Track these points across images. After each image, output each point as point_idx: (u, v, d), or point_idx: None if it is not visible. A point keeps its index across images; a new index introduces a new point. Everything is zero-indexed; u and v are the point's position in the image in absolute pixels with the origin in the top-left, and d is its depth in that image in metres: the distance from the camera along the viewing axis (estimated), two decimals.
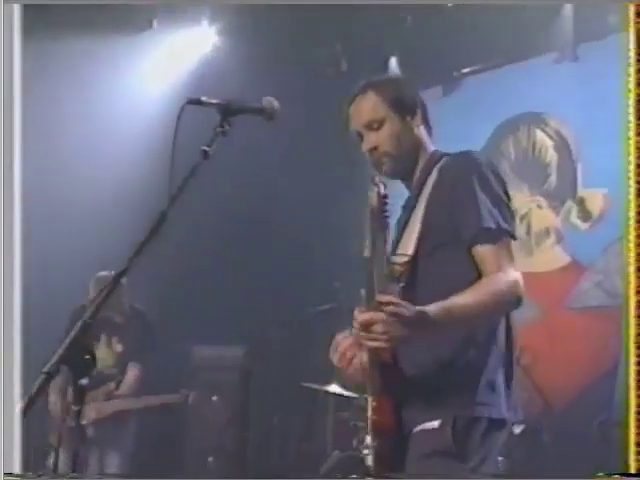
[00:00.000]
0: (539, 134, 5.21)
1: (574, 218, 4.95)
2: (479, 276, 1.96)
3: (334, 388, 4.29)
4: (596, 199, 4.84)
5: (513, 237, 2.01)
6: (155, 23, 5.59)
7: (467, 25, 5.22)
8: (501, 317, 2.01)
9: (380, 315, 1.79)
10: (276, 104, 1.84)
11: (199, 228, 5.00)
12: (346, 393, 4.14)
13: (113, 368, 4.58)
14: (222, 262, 5.45)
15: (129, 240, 1.68)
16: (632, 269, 2.15)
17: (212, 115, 1.79)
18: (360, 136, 2.13)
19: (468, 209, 1.97)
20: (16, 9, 2.27)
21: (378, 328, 1.79)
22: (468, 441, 1.90)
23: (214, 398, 5.10)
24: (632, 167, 2.25)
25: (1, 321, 2.14)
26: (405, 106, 2.13)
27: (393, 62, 5.45)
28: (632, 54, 2.18)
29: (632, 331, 2.12)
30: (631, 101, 2.18)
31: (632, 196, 2.28)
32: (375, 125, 2.10)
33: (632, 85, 2.21)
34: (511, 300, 1.93)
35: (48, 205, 4.94)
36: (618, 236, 4.66)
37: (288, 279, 5.61)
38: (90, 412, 4.38)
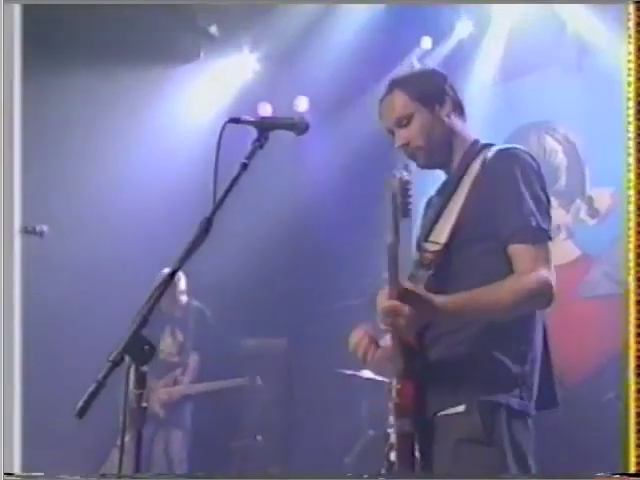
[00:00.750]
0: (549, 140, 5.16)
1: (583, 215, 4.92)
2: (511, 274, 1.82)
3: (366, 374, 4.28)
4: (603, 197, 4.79)
5: (550, 238, 1.87)
6: (202, 53, 5.69)
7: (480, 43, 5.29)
8: (526, 313, 1.87)
9: (401, 306, 1.71)
10: (306, 120, 1.80)
11: (243, 232, 5.02)
12: (377, 378, 4.05)
13: (177, 356, 4.75)
14: (264, 263, 5.47)
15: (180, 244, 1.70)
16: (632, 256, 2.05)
17: (250, 132, 1.79)
18: (392, 133, 2.02)
19: (511, 205, 1.84)
20: (16, 9, 2.12)
21: (399, 315, 1.72)
22: (493, 427, 1.79)
23: (259, 383, 5.18)
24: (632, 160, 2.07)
25: (1, 324, 1.96)
26: (432, 97, 1.99)
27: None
28: (632, 50, 2.09)
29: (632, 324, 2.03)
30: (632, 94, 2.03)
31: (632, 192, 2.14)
32: (404, 122, 1.97)
33: (632, 78, 2.11)
34: (539, 300, 1.82)
35: (113, 211, 5.19)
36: (623, 231, 4.63)
37: (324, 277, 5.60)
38: (163, 396, 4.53)
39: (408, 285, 1.77)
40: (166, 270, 1.63)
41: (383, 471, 1.90)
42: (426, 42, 5.52)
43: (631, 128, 2.07)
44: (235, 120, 1.73)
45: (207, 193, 1.67)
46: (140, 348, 1.54)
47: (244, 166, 1.69)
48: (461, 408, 1.81)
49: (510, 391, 1.82)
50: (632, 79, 2.09)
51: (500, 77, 5.31)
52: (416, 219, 2.12)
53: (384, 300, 1.76)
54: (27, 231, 2.88)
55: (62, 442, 5.12)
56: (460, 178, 1.94)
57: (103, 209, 5.22)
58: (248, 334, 5.63)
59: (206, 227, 1.61)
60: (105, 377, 1.49)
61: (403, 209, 1.81)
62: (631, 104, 2.11)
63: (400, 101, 1.98)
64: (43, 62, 4.74)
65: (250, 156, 1.71)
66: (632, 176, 2.04)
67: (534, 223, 1.82)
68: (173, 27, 5.32)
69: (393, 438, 1.86)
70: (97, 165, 5.23)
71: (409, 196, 1.82)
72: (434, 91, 2.00)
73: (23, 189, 5.17)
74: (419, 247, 1.97)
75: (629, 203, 2.10)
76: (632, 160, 2.13)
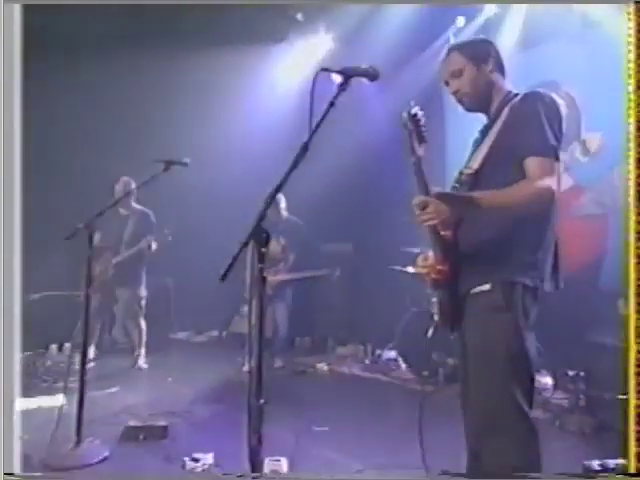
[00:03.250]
0: (554, 95, 4.98)
1: (577, 154, 4.77)
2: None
3: (410, 269, 4.38)
4: (594, 141, 4.64)
5: (557, 155, 1.77)
6: (290, 35, 5.68)
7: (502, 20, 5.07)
8: (534, 211, 1.76)
9: (431, 203, 1.69)
10: (378, 70, 1.71)
11: (328, 158, 4.64)
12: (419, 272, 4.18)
13: (281, 254, 4.82)
14: (338, 185, 5.38)
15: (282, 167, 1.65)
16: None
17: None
18: (447, 84, 1.97)
19: (532, 128, 1.75)
20: (16, 9, 1.76)
21: (430, 214, 1.70)
22: (512, 299, 1.76)
23: (337, 273, 5.39)
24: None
25: (1, 330, 1.63)
26: (479, 57, 1.92)
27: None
28: (632, 52, 1.80)
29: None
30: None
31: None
32: (457, 74, 1.93)
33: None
34: (543, 201, 1.73)
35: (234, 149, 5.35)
36: (608, 166, 4.55)
37: (382, 197, 5.53)
38: (270, 281, 4.70)
39: (435, 189, 1.72)
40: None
41: (431, 330, 1.97)
42: (460, 21, 5.34)
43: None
44: (325, 69, 1.67)
45: (298, 130, 1.64)
46: (260, 235, 1.57)
47: (332, 104, 1.62)
48: (487, 286, 1.79)
49: (526, 273, 1.78)
50: (632, 73, 1.79)
51: (518, 47, 5.10)
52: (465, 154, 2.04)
53: (417, 198, 1.73)
54: (174, 162, 2.87)
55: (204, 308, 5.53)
56: (495, 119, 1.89)
57: (229, 145, 5.40)
58: (325, 240, 5.75)
59: (305, 149, 1.58)
60: (238, 254, 1.53)
61: (418, 136, 1.72)
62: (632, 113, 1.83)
63: (455, 58, 1.95)
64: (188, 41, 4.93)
65: (336, 97, 1.64)
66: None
67: (549, 141, 1.75)
68: (270, 16, 5.31)
69: (435, 306, 1.92)
70: (222, 114, 5.40)
71: (420, 125, 1.73)
72: (481, 53, 1.94)
73: (171, 134, 5.34)
74: (460, 173, 1.93)
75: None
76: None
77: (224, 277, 1.55)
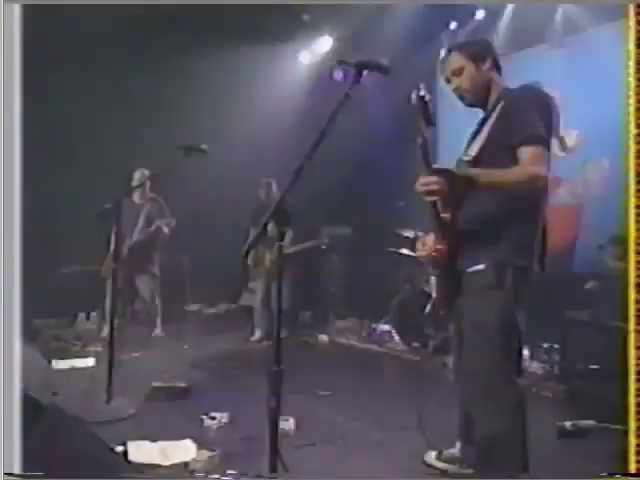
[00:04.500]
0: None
1: (555, 149, 4.78)
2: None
3: (404, 251, 4.41)
4: (571, 137, 4.66)
5: (547, 145, 1.73)
6: (297, 35, 5.63)
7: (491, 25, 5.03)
8: (526, 192, 1.72)
9: (433, 178, 1.65)
10: (389, 64, 1.63)
11: (332, 147, 4.73)
12: (411, 253, 4.11)
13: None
14: (340, 173, 5.32)
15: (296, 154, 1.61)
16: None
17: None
18: (448, 81, 1.94)
19: (524, 118, 1.71)
20: (16, 9, 1.61)
21: (432, 186, 1.65)
22: (504, 278, 1.74)
23: (333, 256, 5.37)
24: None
25: (1, 331, 1.49)
26: (478, 56, 1.88)
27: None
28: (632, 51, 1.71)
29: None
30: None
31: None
32: (457, 72, 1.89)
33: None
34: (534, 185, 1.70)
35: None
36: (581, 161, 4.58)
37: (379, 185, 5.49)
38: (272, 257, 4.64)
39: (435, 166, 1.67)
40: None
41: (429, 306, 1.96)
42: (453, 25, 5.31)
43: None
44: (341, 62, 1.66)
45: (303, 121, 1.61)
46: (280, 215, 1.58)
47: (347, 95, 1.56)
48: (482, 266, 1.78)
49: (517, 254, 1.77)
50: (632, 79, 1.60)
51: (505, 49, 5.07)
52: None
53: (422, 178, 1.67)
54: (194, 149, 2.71)
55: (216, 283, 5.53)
56: (491, 112, 1.86)
57: (241, 135, 5.32)
58: (327, 223, 5.74)
59: (322, 136, 1.54)
60: (259, 233, 1.58)
61: (426, 119, 1.64)
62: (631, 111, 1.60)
63: (455, 58, 1.91)
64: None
65: (351, 87, 1.57)
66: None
67: (539, 132, 1.72)
68: (278, 17, 5.26)
69: (434, 283, 1.93)
70: (234, 107, 5.35)
71: (428, 108, 1.64)
72: (479, 52, 1.91)
73: (189, 126, 5.32)
74: (459, 159, 1.90)
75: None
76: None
77: (246, 253, 1.64)
